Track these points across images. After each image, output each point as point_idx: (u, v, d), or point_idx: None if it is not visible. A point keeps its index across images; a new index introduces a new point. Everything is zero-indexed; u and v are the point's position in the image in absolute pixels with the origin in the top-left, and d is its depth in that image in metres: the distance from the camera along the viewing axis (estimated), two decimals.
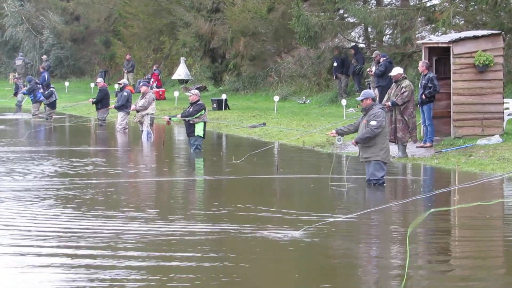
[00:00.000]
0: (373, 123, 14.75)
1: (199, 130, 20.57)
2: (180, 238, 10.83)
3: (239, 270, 9.38)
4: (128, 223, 11.82)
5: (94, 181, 15.84)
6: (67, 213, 12.56)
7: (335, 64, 31.45)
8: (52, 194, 14.23)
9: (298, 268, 9.61)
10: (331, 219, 11.68)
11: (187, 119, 20.55)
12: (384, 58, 26.01)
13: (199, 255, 9.93)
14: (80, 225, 11.67)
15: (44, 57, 49.92)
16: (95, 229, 11.33)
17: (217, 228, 11.45)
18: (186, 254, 9.96)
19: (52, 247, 10.41)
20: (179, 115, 21.11)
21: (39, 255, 10.02)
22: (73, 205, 13.17)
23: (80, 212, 12.63)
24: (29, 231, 11.29)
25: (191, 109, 20.61)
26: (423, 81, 19.85)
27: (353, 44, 32.82)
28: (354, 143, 15.30)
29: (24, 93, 35.64)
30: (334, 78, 31.98)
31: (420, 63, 20.19)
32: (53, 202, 13.53)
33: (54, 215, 12.45)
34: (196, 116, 20.44)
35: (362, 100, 15.10)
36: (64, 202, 13.51)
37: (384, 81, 25.21)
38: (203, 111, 20.61)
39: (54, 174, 16.97)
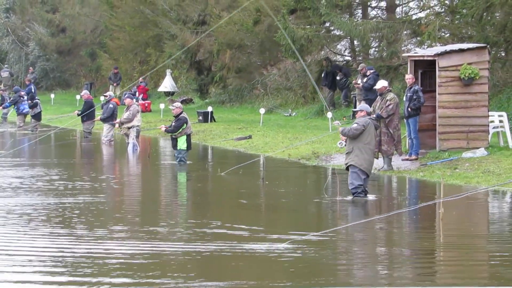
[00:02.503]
0: (354, 125, 15.39)
1: (181, 143, 20.65)
2: (165, 258, 10.66)
3: (228, 286, 9.33)
4: (104, 242, 11.51)
5: (75, 196, 15.65)
6: (44, 231, 12.40)
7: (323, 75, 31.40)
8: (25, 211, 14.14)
9: (283, 281, 9.54)
10: (311, 235, 11.62)
11: (169, 134, 20.92)
12: (372, 71, 25.98)
13: (185, 275, 9.79)
14: (59, 244, 11.54)
15: (31, 69, 49.71)
16: (76, 250, 11.01)
17: (202, 245, 11.32)
18: (174, 274, 9.81)
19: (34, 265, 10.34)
20: (164, 128, 21.32)
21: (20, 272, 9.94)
22: (52, 223, 13.02)
23: (60, 229, 12.53)
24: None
25: (173, 123, 20.72)
26: (409, 94, 19.84)
27: (336, 62, 32.75)
28: (341, 133, 15.60)
29: (6, 106, 35.37)
30: (322, 88, 31.88)
31: (408, 76, 20.16)
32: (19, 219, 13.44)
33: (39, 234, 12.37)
34: (178, 132, 20.53)
35: (357, 112, 15.83)
36: (41, 219, 13.39)
37: (372, 95, 25.11)
38: (185, 125, 20.67)
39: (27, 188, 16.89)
